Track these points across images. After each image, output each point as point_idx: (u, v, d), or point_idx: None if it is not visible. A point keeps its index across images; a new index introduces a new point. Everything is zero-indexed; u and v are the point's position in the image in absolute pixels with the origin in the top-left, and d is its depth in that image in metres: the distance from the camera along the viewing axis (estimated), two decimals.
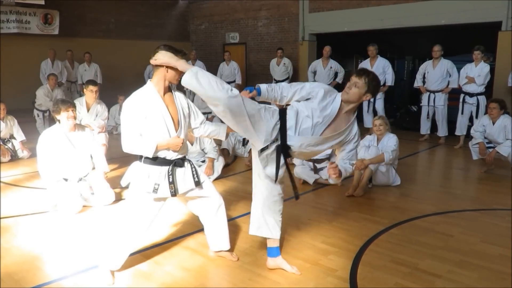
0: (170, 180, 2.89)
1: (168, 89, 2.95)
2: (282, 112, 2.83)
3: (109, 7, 12.60)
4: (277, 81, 10.51)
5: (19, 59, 10.90)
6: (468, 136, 6.60)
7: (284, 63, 10.43)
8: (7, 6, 10.50)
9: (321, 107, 2.78)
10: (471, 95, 7.41)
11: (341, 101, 2.81)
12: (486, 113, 6.12)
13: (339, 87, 11.27)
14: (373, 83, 2.80)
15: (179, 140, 2.89)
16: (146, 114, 2.82)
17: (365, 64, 8.69)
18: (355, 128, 2.91)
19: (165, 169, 2.90)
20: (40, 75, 10.05)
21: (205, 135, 3.20)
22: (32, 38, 11.13)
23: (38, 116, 8.73)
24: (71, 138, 4.45)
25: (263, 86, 2.90)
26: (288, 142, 2.79)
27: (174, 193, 2.92)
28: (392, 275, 3.01)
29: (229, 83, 10.66)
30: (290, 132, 2.80)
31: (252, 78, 12.26)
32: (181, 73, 2.90)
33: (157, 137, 2.85)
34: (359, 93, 2.78)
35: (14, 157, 6.72)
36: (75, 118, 4.47)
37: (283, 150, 2.82)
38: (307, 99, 2.83)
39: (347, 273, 3.04)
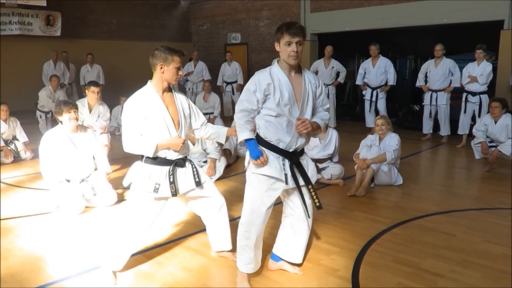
0: (171, 180, 2.90)
1: (169, 90, 2.97)
2: (259, 139, 2.73)
3: (110, 8, 12.61)
4: None
5: (21, 61, 10.93)
6: (471, 135, 6.58)
7: None
8: (9, 8, 10.52)
9: (278, 96, 2.64)
10: (473, 94, 7.39)
11: (287, 68, 2.69)
12: (488, 112, 6.10)
13: (342, 87, 11.22)
14: (304, 31, 2.66)
15: (180, 140, 2.89)
16: (146, 114, 2.83)
17: (367, 63, 8.69)
18: (310, 75, 2.78)
19: (166, 169, 2.91)
20: (43, 77, 10.07)
21: (205, 137, 3.21)
22: (35, 40, 11.16)
23: (40, 117, 8.76)
24: (74, 139, 4.46)
25: (247, 134, 2.69)
26: (291, 150, 2.76)
27: (174, 193, 2.92)
28: (394, 274, 3.00)
29: (231, 83, 10.72)
30: (282, 144, 2.73)
31: None
32: (179, 74, 2.91)
33: (157, 137, 2.86)
34: (302, 49, 2.67)
35: (17, 158, 6.74)
36: (77, 119, 4.48)
37: (293, 161, 2.79)
38: (265, 101, 2.68)
39: (349, 273, 3.04)
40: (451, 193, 5.02)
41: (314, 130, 2.76)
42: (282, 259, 3.07)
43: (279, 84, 2.66)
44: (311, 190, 2.85)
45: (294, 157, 2.79)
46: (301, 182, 2.82)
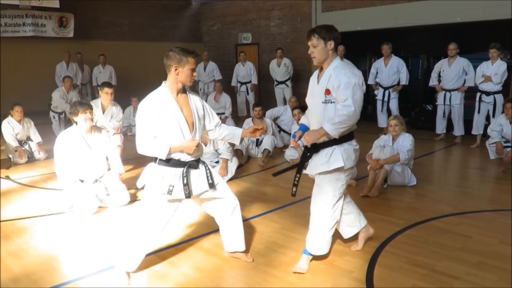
0: (185, 181, 2.89)
1: (183, 91, 2.96)
2: None
3: (122, 9, 12.70)
4: (278, 82, 10.47)
5: (35, 62, 11.06)
6: (485, 136, 6.48)
7: (285, 63, 10.35)
8: (23, 10, 10.66)
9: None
10: (487, 93, 7.28)
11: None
12: (503, 111, 6.01)
13: None
14: (323, 31, 2.87)
15: (193, 143, 2.88)
16: (160, 116, 2.83)
17: (379, 63, 8.62)
18: (335, 64, 2.92)
19: (179, 170, 2.91)
20: (55, 78, 10.18)
21: (220, 138, 3.20)
22: (48, 41, 11.28)
23: (54, 118, 8.85)
24: (88, 140, 4.49)
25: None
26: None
27: (188, 195, 2.92)
28: (409, 276, 2.97)
29: (245, 83, 10.70)
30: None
31: (265, 78, 12.25)
32: (194, 74, 2.90)
33: (171, 139, 2.86)
34: (321, 48, 2.88)
35: (31, 159, 6.81)
36: (92, 120, 4.52)
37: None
38: None
39: (364, 275, 3.01)
40: (466, 194, 4.96)
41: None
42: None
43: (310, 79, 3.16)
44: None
45: None
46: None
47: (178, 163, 2.91)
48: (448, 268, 3.09)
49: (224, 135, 3.17)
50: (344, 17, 10.74)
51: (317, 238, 3.06)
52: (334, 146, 2.92)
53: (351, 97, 2.73)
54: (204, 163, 3.06)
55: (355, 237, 3.43)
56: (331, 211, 3.00)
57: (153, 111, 2.83)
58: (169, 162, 2.90)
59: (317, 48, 2.87)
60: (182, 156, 2.91)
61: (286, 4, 12.03)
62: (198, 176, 2.98)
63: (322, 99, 2.89)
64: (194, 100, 3.01)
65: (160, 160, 2.90)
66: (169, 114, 2.84)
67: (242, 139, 3.22)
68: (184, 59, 2.81)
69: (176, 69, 2.83)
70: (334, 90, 2.83)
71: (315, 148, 2.94)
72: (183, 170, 2.91)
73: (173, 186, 2.88)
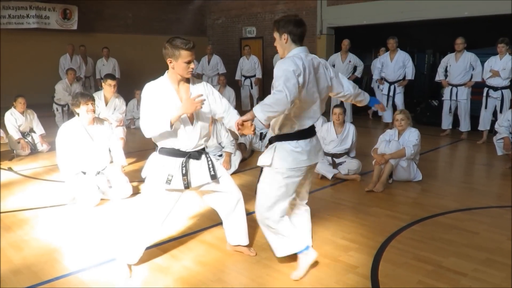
0: (184, 172, 2.84)
1: (185, 80, 2.89)
2: None
3: (126, 2, 12.63)
4: None
5: (38, 54, 11.03)
6: (492, 131, 6.39)
7: None
8: (27, 2, 10.63)
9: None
10: (495, 89, 7.18)
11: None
12: (511, 107, 5.92)
13: (359, 82, 11.14)
14: (279, 24, 2.68)
15: (192, 101, 2.71)
16: (160, 105, 2.79)
17: (384, 57, 8.53)
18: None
19: (179, 160, 2.86)
20: (59, 70, 10.15)
21: (228, 126, 3.06)
22: (51, 33, 11.24)
23: (57, 110, 8.83)
24: (90, 131, 4.46)
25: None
26: None
27: (187, 186, 2.87)
28: (415, 272, 2.92)
29: (249, 77, 10.61)
30: None
31: (269, 72, 12.16)
32: (191, 66, 2.81)
33: (172, 129, 2.78)
34: (277, 42, 2.74)
35: (34, 151, 6.79)
36: (94, 111, 4.48)
37: None
38: None
39: (368, 270, 2.96)
40: (472, 189, 4.89)
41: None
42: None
43: None
44: None
45: None
46: None
47: (178, 153, 2.86)
48: (455, 264, 3.03)
49: (231, 124, 2.97)
50: (350, 11, 10.64)
51: (274, 241, 2.93)
52: (275, 143, 2.77)
53: (283, 82, 2.55)
54: (207, 154, 3.00)
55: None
56: (266, 214, 2.82)
57: (155, 97, 2.79)
58: (170, 152, 2.85)
59: (275, 41, 2.75)
60: (183, 146, 2.86)
61: None
62: (199, 167, 2.92)
63: None
64: (197, 89, 2.92)
65: (161, 149, 2.86)
66: (169, 105, 2.78)
67: None
68: (176, 53, 2.72)
69: (170, 62, 2.77)
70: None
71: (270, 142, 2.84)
72: (183, 160, 2.86)
73: (172, 176, 2.83)
